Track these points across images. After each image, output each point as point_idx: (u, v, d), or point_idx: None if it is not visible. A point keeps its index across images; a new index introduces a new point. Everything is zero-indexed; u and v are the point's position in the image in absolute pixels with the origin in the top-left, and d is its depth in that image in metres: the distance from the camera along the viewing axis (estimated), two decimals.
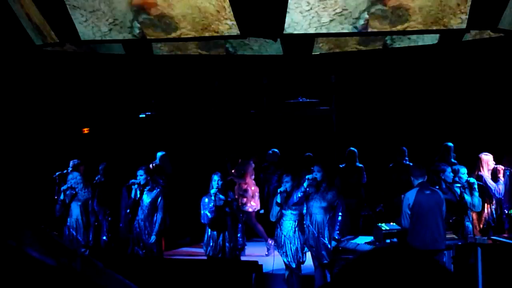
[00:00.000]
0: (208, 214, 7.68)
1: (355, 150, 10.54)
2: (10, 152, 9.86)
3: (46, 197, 9.05)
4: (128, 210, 8.39)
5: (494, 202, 8.49)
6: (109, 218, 8.52)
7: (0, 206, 7.71)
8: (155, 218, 8.14)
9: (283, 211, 7.81)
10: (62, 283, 1.66)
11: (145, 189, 8.18)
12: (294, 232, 7.79)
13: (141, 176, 8.17)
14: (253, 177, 9.96)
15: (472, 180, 7.88)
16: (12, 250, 1.64)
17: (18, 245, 1.65)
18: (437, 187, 7.69)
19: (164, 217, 8.20)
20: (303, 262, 7.90)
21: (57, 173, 8.70)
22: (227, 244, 7.75)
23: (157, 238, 8.17)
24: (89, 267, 1.77)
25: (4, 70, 9.71)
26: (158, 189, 8.28)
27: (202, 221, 7.82)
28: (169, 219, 8.26)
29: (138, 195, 8.14)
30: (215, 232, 7.77)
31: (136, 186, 8.14)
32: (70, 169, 8.84)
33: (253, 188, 9.87)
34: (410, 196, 7.18)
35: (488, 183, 8.34)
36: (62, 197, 8.53)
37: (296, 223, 7.81)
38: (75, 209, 8.51)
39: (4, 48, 9.41)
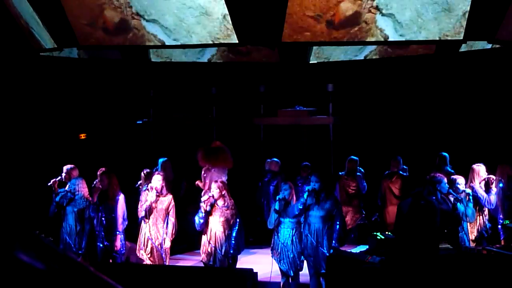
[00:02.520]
0: (201, 221, 7.84)
1: (357, 158, 10.44)
2: (5, 157, 9.83)
3: (42, 203, 9.00)
4: (144, 214, 8.37)
5: (486, 213, 8.47)
6: (102, 223, 8.48)
7: None
8: (164, 224, 8.23)
9: (281, 219, 7.82)
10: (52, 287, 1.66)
11: (160, 195, 8.24)
12: (292, 240, 7.80)
13: (158, 181, 8.21)
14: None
15: (468, 191, 7.88)
16: (2, 255, 1.64)
17: (8, 249, 1.65)
18: (434, 197, 7.68)
19: (176, 222, 8.34)
20: (301, 269, 7.91)
21: (51, 180, 8.65)
22: (220, 252, 7.80)
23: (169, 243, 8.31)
24: (80, 271, 1.77)
25: (1, 75, 9.71)
26: (171, 196, 8.37)
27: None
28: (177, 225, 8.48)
29: (154, 200, 8.17)
30: (213, 239, 7.86)
31: (153, 191, 8.17)
32: (64, 174, 8.78)
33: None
34: (404, 206, 7.18)
35: (479, 194, 8.30)
36: (57, 198, 8.48)
37: (294, 231, 7.83)
38: (70, 215, 8.46)
39: (0, 52, 9.40)
